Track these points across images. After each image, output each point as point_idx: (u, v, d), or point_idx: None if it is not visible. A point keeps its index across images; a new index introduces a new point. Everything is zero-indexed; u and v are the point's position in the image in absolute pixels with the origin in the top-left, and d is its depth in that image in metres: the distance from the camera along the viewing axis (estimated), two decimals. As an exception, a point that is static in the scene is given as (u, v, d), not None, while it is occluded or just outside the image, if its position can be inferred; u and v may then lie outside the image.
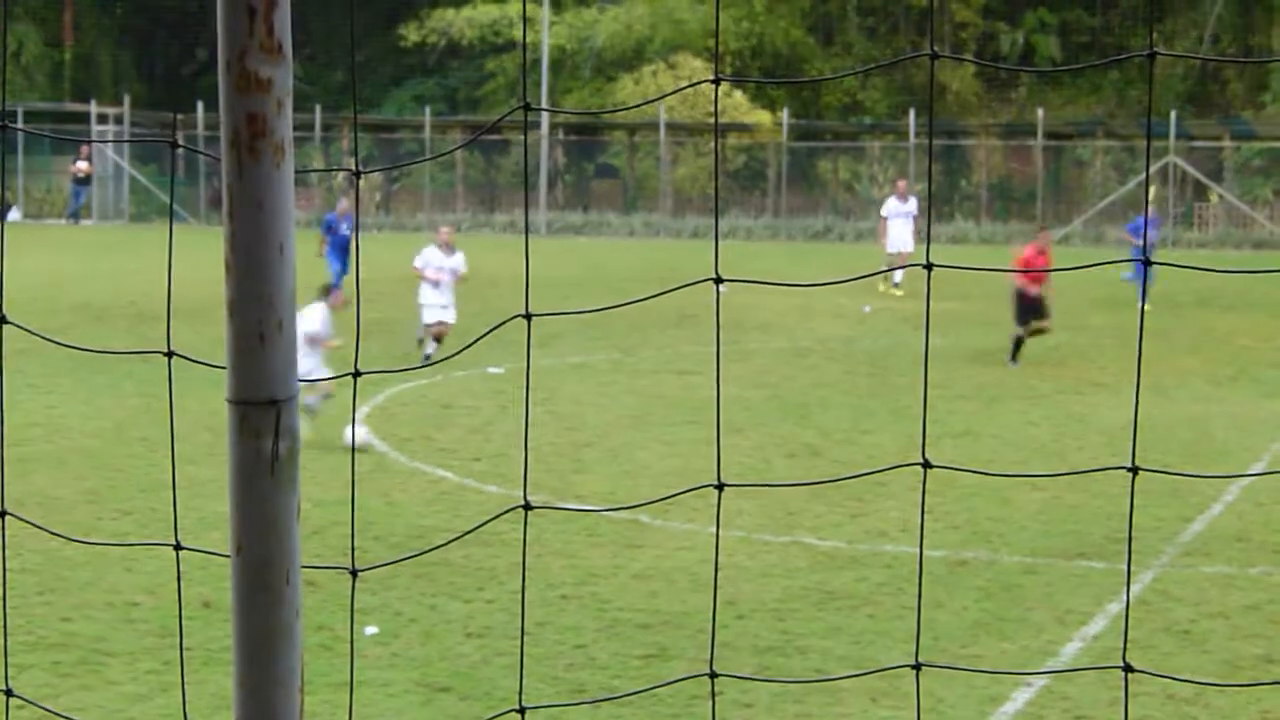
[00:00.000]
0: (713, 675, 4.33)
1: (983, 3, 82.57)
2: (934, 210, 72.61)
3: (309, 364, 25.07)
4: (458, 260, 33.34)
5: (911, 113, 73.90)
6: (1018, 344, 35.42)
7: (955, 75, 79.17)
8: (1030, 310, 35.36)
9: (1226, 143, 73.93)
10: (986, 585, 19.59)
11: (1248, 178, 74.04)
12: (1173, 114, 71.53)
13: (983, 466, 24.04)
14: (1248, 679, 15.14)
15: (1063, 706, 15.38)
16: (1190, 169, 71.53)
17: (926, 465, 4.18)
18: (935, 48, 4.00)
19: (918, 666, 4.27)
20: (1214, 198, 72.43)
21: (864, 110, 78.18)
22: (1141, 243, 37.90)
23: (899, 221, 48.22)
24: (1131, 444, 4.58)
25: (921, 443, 4.52)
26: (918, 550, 20.25)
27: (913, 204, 49.26)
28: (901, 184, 51.39)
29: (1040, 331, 35.55)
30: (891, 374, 33.83)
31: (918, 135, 73.55)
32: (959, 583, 19.56)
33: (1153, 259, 5.14)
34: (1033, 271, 33.15)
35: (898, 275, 46.17)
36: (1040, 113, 74.18)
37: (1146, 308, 37.84)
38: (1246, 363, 35.85)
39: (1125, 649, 4.68)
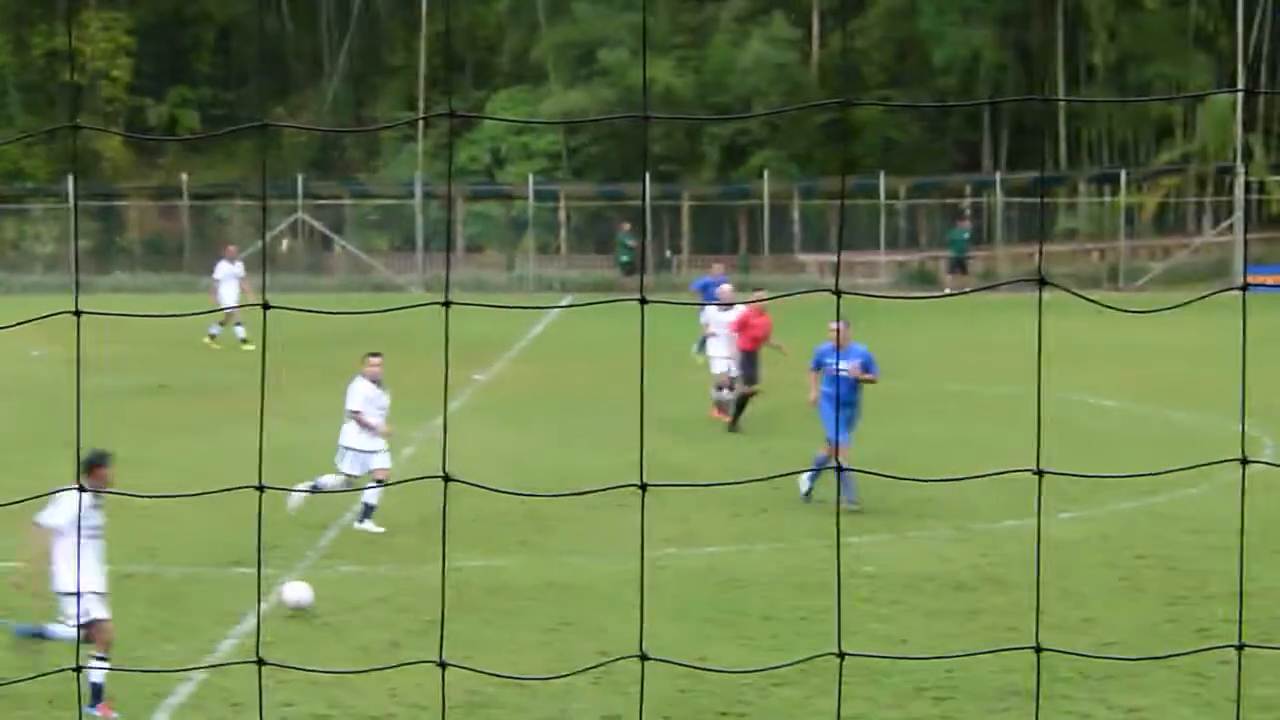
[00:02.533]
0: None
1: (129, 81, 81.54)
2: (95, 264, 71.44)
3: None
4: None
5: (70, 178, 72.52)
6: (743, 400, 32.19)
7: (107, 144, 78.03)
8: (748, 369, 32.14)
9: (347, 201, 75.11)
10: (152, 594, 19.49)
11: (366, 230, 75.37)
12: (299, 176, 72.13)
13: (151, 489, 23.87)
14: (378, 663, 15.49)
15: (221, 697, 15.47)
16: (317, 224, 72.39)
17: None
18: (81, 119, 4.09)
19: (78, 669, 4.33)
20: (338, 248, 73.43)
21: (26, 176, 76.19)
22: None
23: (231, 282, 47.34)
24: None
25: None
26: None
27: (239, 266, 48.73)
28: (232, 249, 50.21)
29: (746, 391, 32.07)
30: (64, 411, 33.03)
31: (80, 199, 72.33)
32: (127, 593, 19.39)
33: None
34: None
35: (241, 331, 45.87)
36: (185, 177, 74.01)
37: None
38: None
39: (259, 646, 4.84)
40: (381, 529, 22.81)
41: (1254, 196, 71.46)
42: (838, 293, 5.15)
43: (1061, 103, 76.92)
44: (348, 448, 23.62)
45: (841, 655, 5.22)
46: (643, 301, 5.07)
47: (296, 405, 33.06)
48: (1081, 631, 17.62)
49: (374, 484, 22.96)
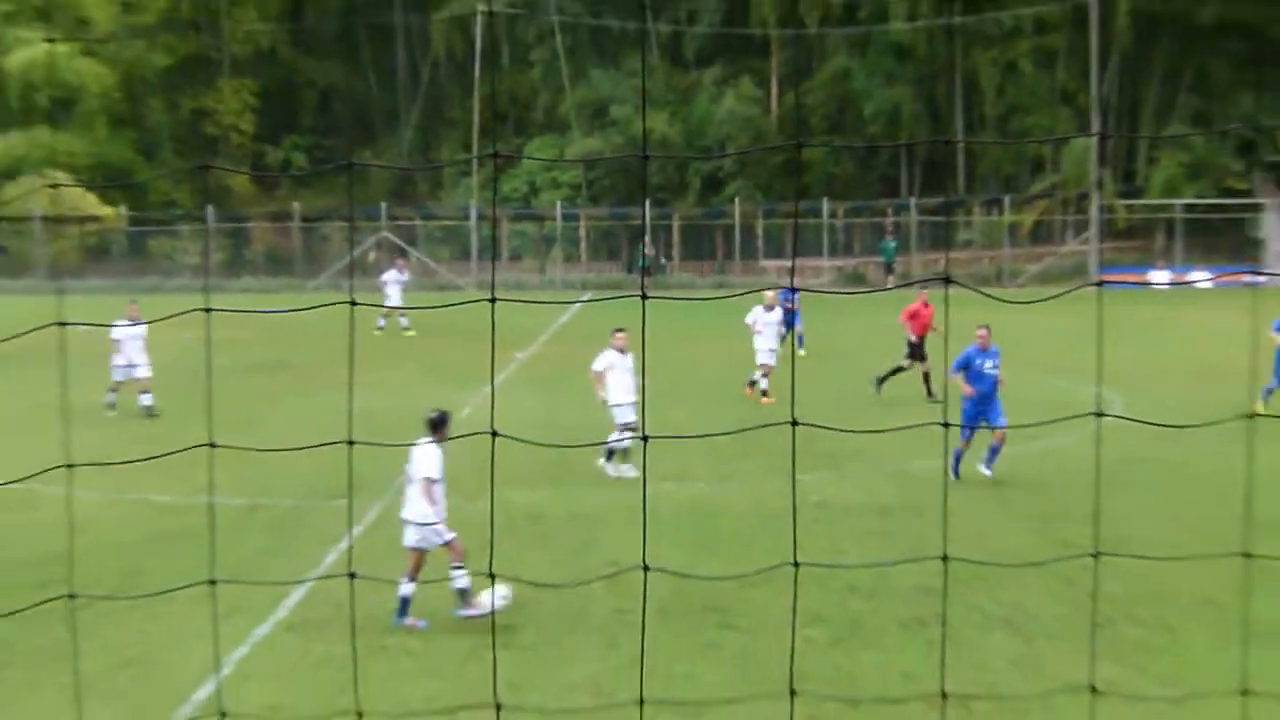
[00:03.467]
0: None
1: (253, 131, 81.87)
2: (228, 271, 71.38)
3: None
4: None
5: (209, 208, 72.58)
6: (895, 371, 31.22)
7: (236, 180, 78.16)
8: (916, 350, 31.05)
9: (418, 221, 75.11)
10: (270, 522, 19.46)
11: (433, 244, 75.36)
12: (383, 204, 72.41)
13: (276, 443, 23.80)
14: (445, 574, 15.44)
15: (325, 598, 15.45)
16: (396, 239, 72.32)
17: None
18: (216, 162, 4.04)
19: (213, 582, 4.32)
20: (412, 258, 73.51)
21: (177, 204, 76.17)
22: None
23: (395, 286, 46.50)
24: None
25: (211, 429, 4.55)
26: (213, 500, 19.98)
27: (406, 274, 48.31)
28: (401, 262, 49.95)
29: (921, 368, 31.03)
30: (204, 384, 33.00)
31: (216, 221, 72.61)
32: (252, 521, 19.38)
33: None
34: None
35: (405, 321, 45.74)
36: (296, 205, 74.12)
37: (801, 352, 36.56)
38: (431, 366, 36.37)
39: (350, 562, 4.81)
40: (636, 472, 22.37)
41: (1105, 216, 71.60)
42: (794, 290, 5.12)
43: (960, 144, 76.96)
44: (611, 404, 22.51)
45: (796, 565, 5.19)
46: (644, 297, 5.06)
47: (379, 378, 33.14)
48: (977, 545, 17.60)
49: (622, 432, 22.28)
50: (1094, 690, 6.79)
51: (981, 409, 22.15)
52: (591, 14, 79.98)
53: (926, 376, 31.11)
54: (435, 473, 14.67)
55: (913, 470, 22.68)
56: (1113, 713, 11.68)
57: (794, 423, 5.12)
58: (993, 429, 21.84)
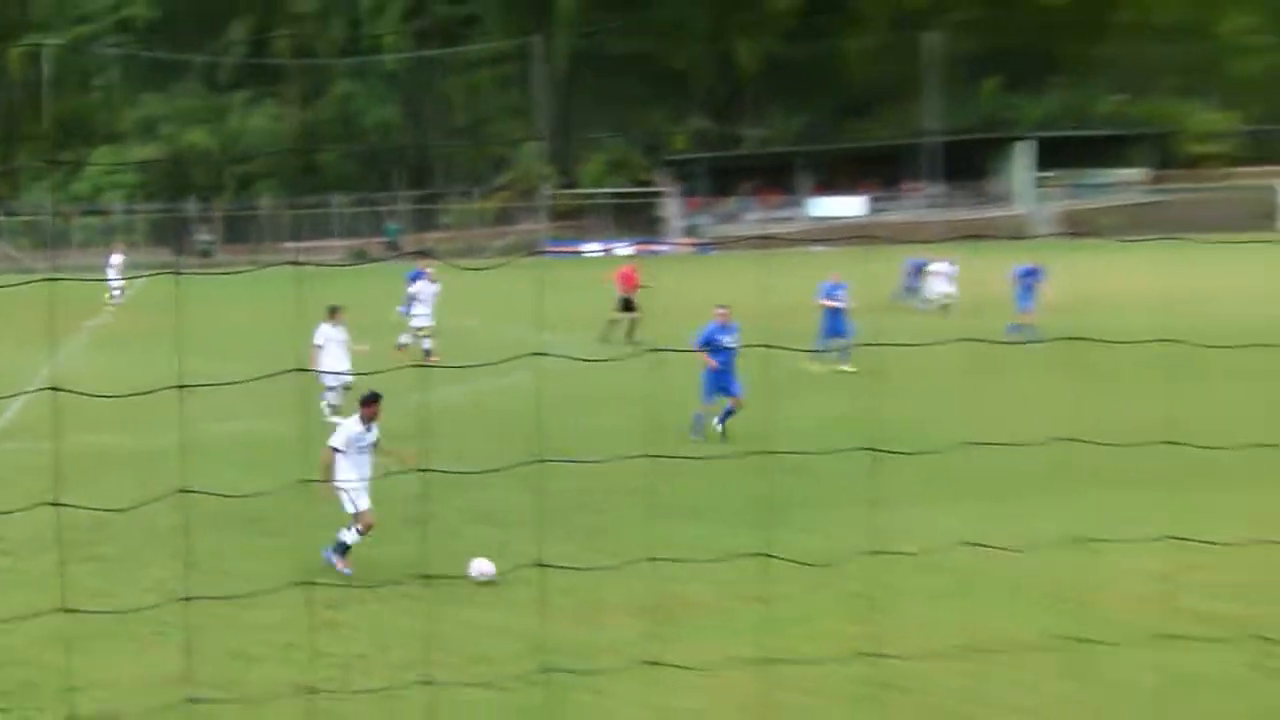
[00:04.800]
0: None
1: None
2: None
3: None
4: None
5: None
6: (611, 323, 31.65)
7: None
8: (628, 304, 31.94)
9: (1, 217, 69.92)
10: None
11: (14, 236, 70.44)
12: None
13: None
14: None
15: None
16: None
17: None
18: None
19: None
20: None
21: None
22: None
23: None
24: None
25: None
26: None
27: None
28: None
29: (630, 318, 31.76)
30: None
31: None
32: None
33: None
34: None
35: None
36: None
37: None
38: (24, 335, 33.51)
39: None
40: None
41: (550, 203, 74.00)
42: (298, 263, 5.00)
43: (435, 148, 78.23)
44: (325, 373, 20.80)
45: (309, 481, 5.10)
46: (177, 273, 4.83)
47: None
48: (461, 456, 17.71)
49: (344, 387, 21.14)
50: (542, 565, 6.95)
51: (723, 379, 19.57)
52: (143, 48, 77.57)
53: (634, 324, 31.55)
54: (334, 442, 13.02)
55: (406, 406, 22.59)
56: (566, 582, 11.94)
57: (295, 369, 5.08)
58: (730, 396, 19.54)
